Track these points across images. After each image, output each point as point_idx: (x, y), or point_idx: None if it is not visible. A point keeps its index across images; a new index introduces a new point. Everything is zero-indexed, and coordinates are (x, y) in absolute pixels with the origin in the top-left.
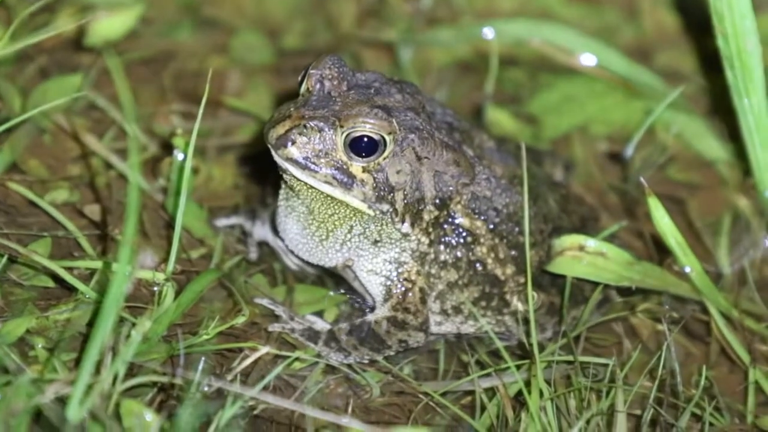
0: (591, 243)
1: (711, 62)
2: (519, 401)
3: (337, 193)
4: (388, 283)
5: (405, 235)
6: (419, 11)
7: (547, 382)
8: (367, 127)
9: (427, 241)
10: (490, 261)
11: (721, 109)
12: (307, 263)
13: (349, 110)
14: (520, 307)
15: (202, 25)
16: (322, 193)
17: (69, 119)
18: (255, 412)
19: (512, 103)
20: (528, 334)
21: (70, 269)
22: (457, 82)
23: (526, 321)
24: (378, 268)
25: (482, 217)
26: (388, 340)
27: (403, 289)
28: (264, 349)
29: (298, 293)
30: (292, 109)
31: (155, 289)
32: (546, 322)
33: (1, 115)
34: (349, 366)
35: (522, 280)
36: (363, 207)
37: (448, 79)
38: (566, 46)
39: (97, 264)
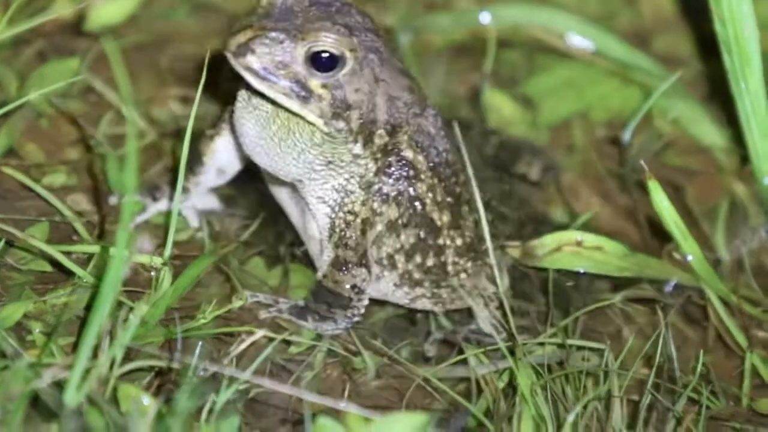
0: (588, 238)
1: (709, 47)
2: (514, 387)
3: (294, 105)
4: (332, 215)
5: (356, 157)
6: None
7: (542, 367)
8: (329, 41)
9: (374, 169)
10: (428, 201)
11: (718, 95)
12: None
13: (311, 24)
14: (456, 282)
15: (200, 9)
16: None
17: (66, 103)
18: (251, 396)
19: (510, 86)
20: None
21: (67, 253)
22: (455, 66)
23: (502, 307)
24: (326, 195)
25: (424, 153)
26: (342, 292)
27: (344, 223)
28: (260, 333)
29: (294, 275)
30: (254, 19)
31: (153, 273)
32: (524, 308)
33: None
34: (346, 348)
35: (459, 242)
36: (319, 122)
37: (446, 63)
38: (564, 31)
39: (95, 248)
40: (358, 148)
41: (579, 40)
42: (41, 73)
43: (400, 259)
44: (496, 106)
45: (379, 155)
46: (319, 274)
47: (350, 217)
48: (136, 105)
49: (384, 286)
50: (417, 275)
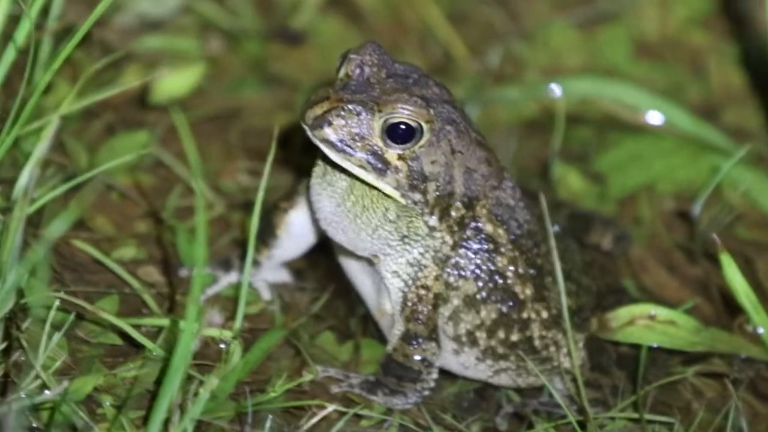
0: (662, 312)
1: None
2: None
3: (371, 178)
4: (405, 289)
5: (432, 230)
6: (486, 69)
7: None
8: (406, 113)
9: (451, 242)
10: (510, 274)
11: None
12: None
13: (388, 96)
14: (545, 353)
15: (268, 82)
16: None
17: (136, 176)
18: None
19: (579, 162)
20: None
21: (137, 326)
22: (524, 140)
23: (575, 380)
24: (401, 269)
25: (504, 226)
26: (412, 365)
27: (417, 297)
28: (330, 407)
29: (365, 350)
30: (330, 91)
31: (222, 346)
32: (599, 381)
33: (68, 172)
34: (417, 423)
35: (545, 315)
36: (395, 194)
37: (514, 137)
38: (633, 104)
39: (165, 321)
40: (434, 221)
41: (648, 113)
42: (110, 145)
43: (481, 336)
44: (565, 180)
45: (455, 228)
46: (389, 348)
47: (423, 292)
48: (204, 177)
49: (465, 359)
50: (501, 350)
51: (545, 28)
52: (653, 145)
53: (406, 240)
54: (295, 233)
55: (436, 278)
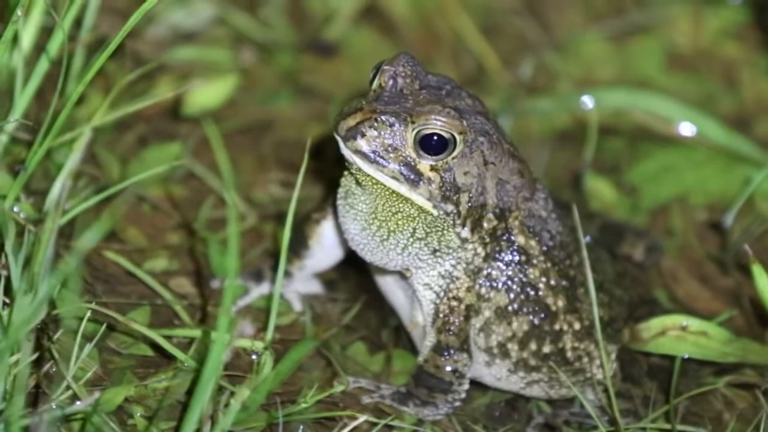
0: (693, 323)
1: None
2: None
3: (403, 189)
4: (437, 301)
5: (464, 241)
6: (518, 80)
7: None
8: (439, 124)
9: (483, 254)
10: (542, 286)
11: None
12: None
13: (421, 107)
14: (577, 364)
15: (300, 94)
16: (388, 189)
17: (168, 188)
18: None
19: (611, 173)
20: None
21: (168, 337)
22: (556, 152)
23: (606, 391)
24: (432, 282)
25: (537, 238)
26: (443, 376)
27: (448, 309)
28: (362, 418)
29: (396, 361)
30: (364, 102)
31: (254, 357)
32: (630, 391)
33: (99, 184)
34: None
35: (577, 326)
36: (428, 206)
37: (547, 149)
38: (665, 115)
39: (196, 332)
40: (466, 232)
41: (680, 124)
42: (143, 157)
43: (513, 347)
44: (598, 192)
45: (487, 240)
46: (420, 359)
47: (454, 303)
48: (237, 189)
49: (496, 371)
50: (533, 362)
51: (578, 39)
52: (685, 156)
53: (438, 253)
54: (327, 244)
55: (468, 290)
